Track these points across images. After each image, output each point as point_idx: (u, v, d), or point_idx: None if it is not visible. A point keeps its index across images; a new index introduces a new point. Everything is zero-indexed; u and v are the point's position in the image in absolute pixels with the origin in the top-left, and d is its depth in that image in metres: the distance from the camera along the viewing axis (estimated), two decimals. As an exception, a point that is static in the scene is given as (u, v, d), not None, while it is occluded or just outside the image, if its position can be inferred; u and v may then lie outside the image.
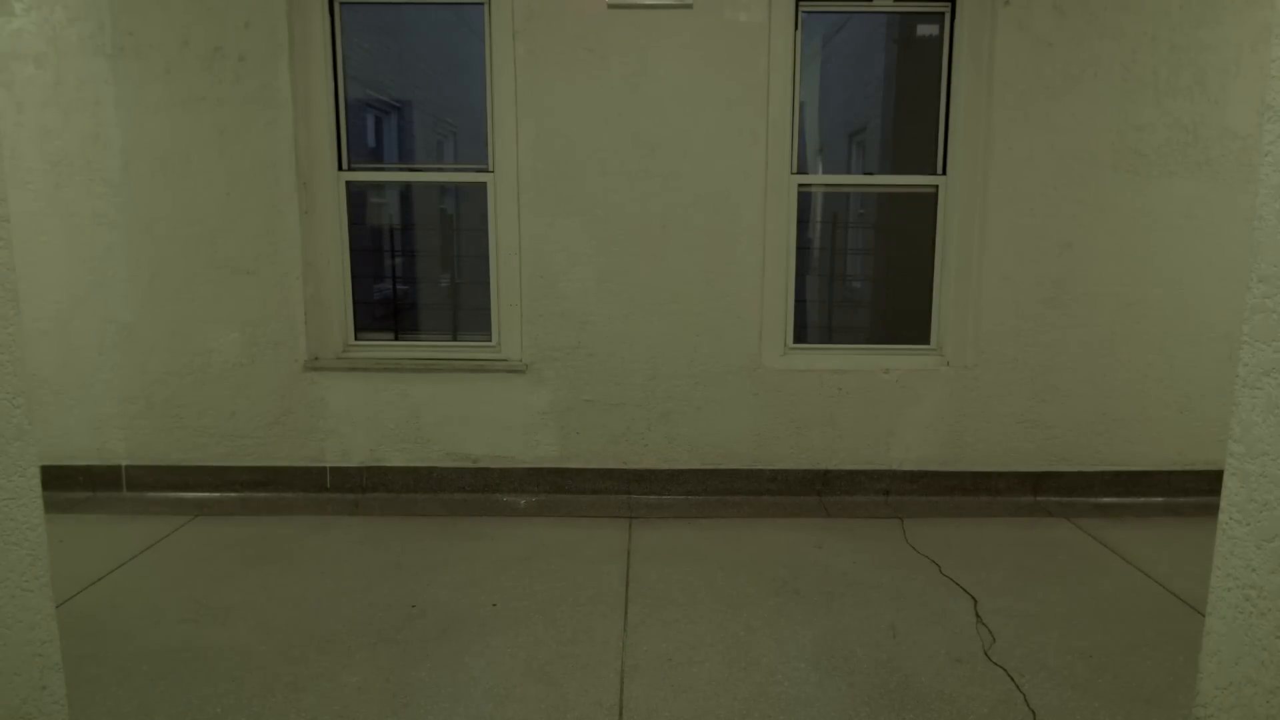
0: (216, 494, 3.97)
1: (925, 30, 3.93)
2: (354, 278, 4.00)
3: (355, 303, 4.02)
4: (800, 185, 3.91)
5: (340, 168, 3.88)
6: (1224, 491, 1.45)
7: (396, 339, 4.12)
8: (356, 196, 3.99)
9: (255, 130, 3.73)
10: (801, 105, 3.89)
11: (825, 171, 4.10)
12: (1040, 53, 3.67)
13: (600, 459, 3.98)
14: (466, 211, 4.06)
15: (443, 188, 4.13)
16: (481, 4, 3.75)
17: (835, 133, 4.13)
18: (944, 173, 3.88)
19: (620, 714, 2.23)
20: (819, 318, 4.19)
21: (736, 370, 3.92)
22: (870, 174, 4.13)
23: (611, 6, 3.66)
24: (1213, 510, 1.49)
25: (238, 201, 3.78)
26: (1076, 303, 3.86)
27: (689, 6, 3.67)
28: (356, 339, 4.04)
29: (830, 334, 4.18)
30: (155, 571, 3.13)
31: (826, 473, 3.98)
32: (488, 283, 3.97)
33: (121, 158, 3.74)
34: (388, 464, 3.99)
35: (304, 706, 2.25)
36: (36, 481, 1.43)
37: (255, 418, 3.94)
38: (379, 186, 4.09)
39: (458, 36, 3.97)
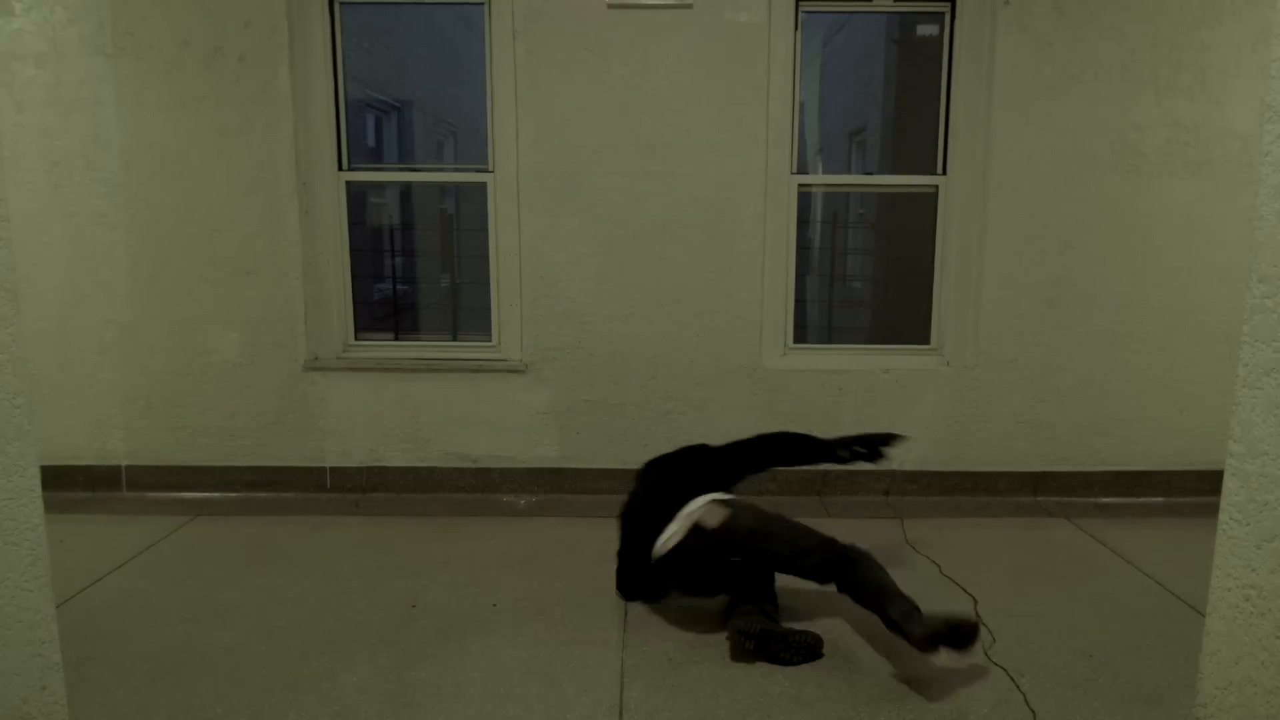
0: (216, 494, 3.97)
1: (925, 30, 3.93)
2: (354, 278, 4.00)
3: (355, 303, 4.02)
4: (800, 185, 3.91)
5: (340, 168, 3.88)
6: (1224, 491, 1.45)
7: (396, 339, 4.12)
8: (356, 196, 3.99)
9: (255, 130, 3.73)
10: (801, 105, 3.88)
11: (825, 171, 4.10)
12: (1040, 52, 3.67)
13: (600, 459, 3.98)
14: (466, 211, 4.06)
15: (443, 188, 4.13)
16: (481, 4, 3.75)
17: (835, 133, 4.13)
18: (944, 173, 3.88)
19: (620, 714, 2.23)
20: (819, 318, 4.20)
21: (736, 370, 3.92)
22: (870, 174, 4.13)
23: (611, 6, 3.66)
24: (1213, 510, 1.49)
25: (238, 201, 3.78)
26: (1076, 303, 3.86)
27: (689, 6, 3.67)
28: (356, 339, 4.04)
29: (830, 334, 4.18)
30: (155, 571, 3.13)
31: (826, 473, 3.98)
32: (488, 283, 3.97)
33: (121, 158, 3.74)
34: (388, 464, 3.99)
35: (304, 706, 2.25)
36: (36, 481, 1.42)
37: (255, 418, 3.94)
38: (379, 186, 4.09)
39: (458, 36, 3.97)
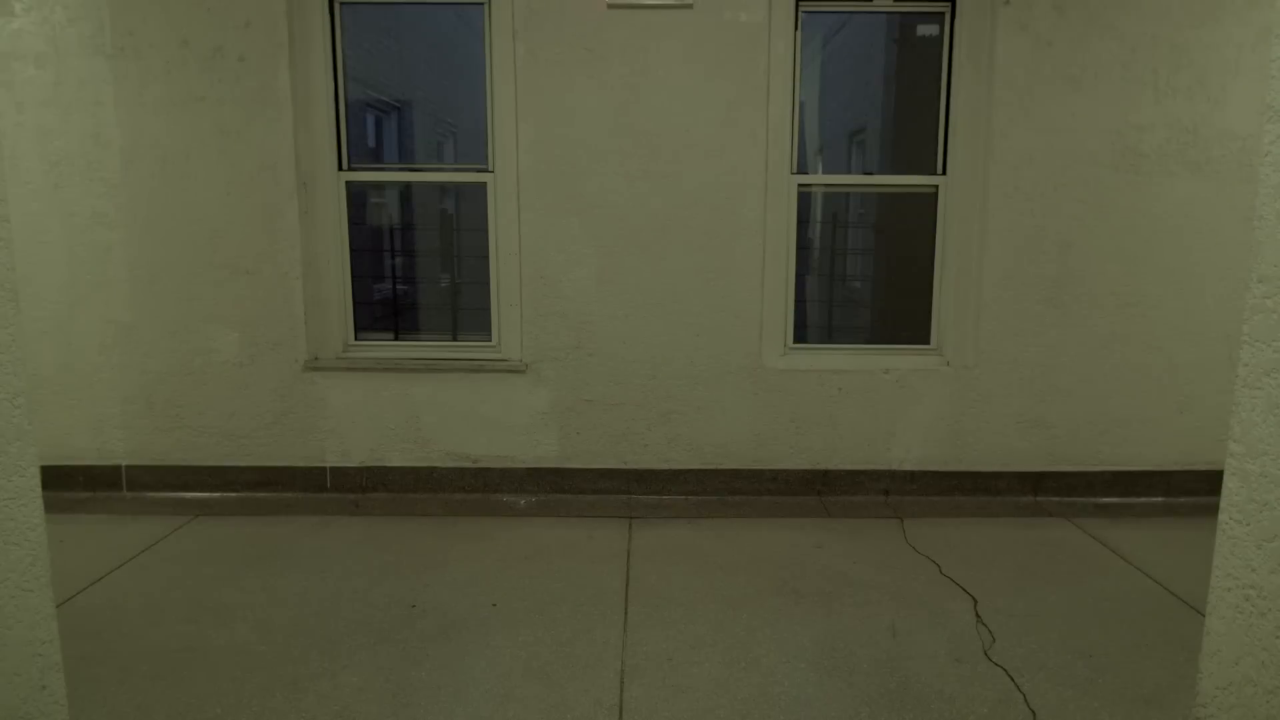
0: (216, 494, 3.97)
1: (925, 30, 3.93)
2: (354, 278, 4.00)
3: (355, 303, 4.02)
4: (800, 185, 3.91)
5: (340, 168, 3.88)
6: (1224, 491, 1.45)
7: (396, 339, 4.12)
8: (356, 196, 3.99)
9: (255, 130, 3.73)
10: (801, 105, 3.89)
11: (825, 171, 4.10)
12: (1040, 52, 3.67)
13: (600, 459, 3.98)
14: (466, 211, 4.06)
15: (443, 188, 4.13)
16: (481, 4, 3.75)
17: (835, 133, 4.13)
18: (944, 173, 3.88)
19: (620, 714, 2.23)
20: (819, 318, 4.19)
21: (737, 370, 3.92)
22: (870, 174, 4.13)
23: (611, 6, 3.66)
24: (1213, 510, 1.49)
25: (238, 201, 3.78)
26: (1076, 303, 3.86)
27: (689, 6, 3.67)
28: (356, 339, 4.04)
29: (830, 334, 4.18)
30: (155, 571, 3.13)
31: (826, 473, 3.98)
32: (488, 283, 3.97)
33: (121, 158, 3.74)
34: (388, 464, 3.99)
35: (304, 706, 2.26)
36: (36, 481, 1.42)
37: (255, 418, 3.94)
38: (379, 186, 4.09)
39: (458, 36, 3.97)
